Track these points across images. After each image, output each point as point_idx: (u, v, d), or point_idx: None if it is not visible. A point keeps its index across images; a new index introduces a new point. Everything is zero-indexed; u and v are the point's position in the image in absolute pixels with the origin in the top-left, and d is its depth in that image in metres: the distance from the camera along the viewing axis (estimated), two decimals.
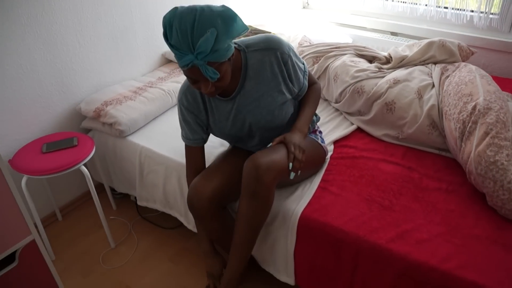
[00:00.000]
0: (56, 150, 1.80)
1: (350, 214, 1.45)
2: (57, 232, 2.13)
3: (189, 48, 1.16)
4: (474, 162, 1.45)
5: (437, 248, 1.30)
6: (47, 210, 2.17)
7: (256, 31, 2.52)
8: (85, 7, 2.02)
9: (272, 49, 1.41)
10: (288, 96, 1.48)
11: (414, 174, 1.64)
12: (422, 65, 2.10)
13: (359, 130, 1.95)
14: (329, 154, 1.76)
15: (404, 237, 1.35)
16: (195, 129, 1.51)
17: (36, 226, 1.81)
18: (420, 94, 1.84)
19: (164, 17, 1.18)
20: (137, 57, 2.39)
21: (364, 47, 2.25)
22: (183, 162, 1.69)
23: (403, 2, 2.72)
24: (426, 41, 2.15)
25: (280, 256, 1.57)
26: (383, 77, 1.98)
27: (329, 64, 2.14)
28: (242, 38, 1.48)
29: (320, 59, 2.19)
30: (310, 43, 2.41)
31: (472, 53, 2.15)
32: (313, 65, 2.19)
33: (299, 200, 1.53)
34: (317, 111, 1.91)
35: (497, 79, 2.14)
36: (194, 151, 1.54)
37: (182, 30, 1.14)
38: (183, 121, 1.51)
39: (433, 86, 1.89)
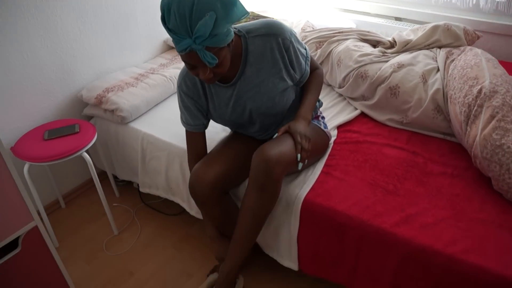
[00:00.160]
0: (57, 137, 1.80)
1: (353, 199, 1.43)
2: (60, 219, 2.14)
3: (187, 32, 1.13)
4: (479, 145, 1.43)
5: (442, 232, 1.29)
6: (51, 197, 2.17)
7: (258, 17, 2.48)
8: None
9: (273, 35, 1.38)
10: (290, 82, 1.46)
11: (419, 159, 1.62)
12: (427, 49, 2.07)
13: (363, 115, 1.93)
14: (333, 139, 1.75)
15: (408, 222, 1.33)
16: (195, 115, 1.50)
17: (39, 213, 1.82)
18: (424, 78, 1.81)
19: (162, 0, 1.15)
20: (138, 44, 2.37)
21: (368, 32, 2.22)
22: (185, 148, 1.68)
23: None
24: (430, 25, 2.11)
25: (283, 241, 1.57)
26: (387, 61, 1.95)
27: (332, 49, 2.11)
28: (243, 23, 1.45)
29: (323, 44, 2.16)
30: (313, 28, 2.38)
31: (478, 37, 2.11)
32: (316, 50, 2.16)
33: (302, 184, 1.52)
34: (320, 97, 1.89)
35: (504, 63, 2.10)
36: (195, 137, 1.53)
37: (180, 13, 1.11)
38: (183, 107, 1.50)
39: (438, 70, 1.87)
